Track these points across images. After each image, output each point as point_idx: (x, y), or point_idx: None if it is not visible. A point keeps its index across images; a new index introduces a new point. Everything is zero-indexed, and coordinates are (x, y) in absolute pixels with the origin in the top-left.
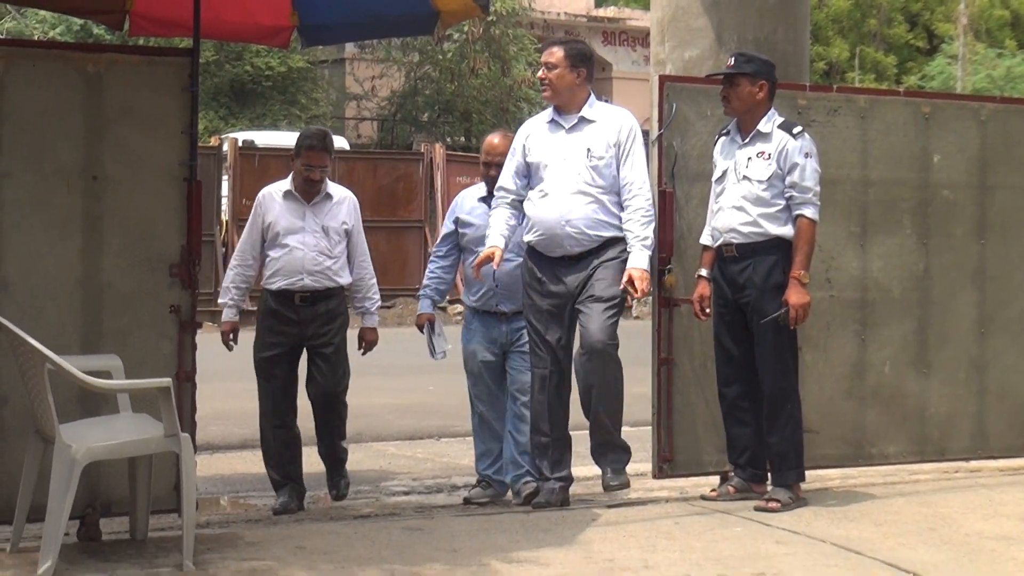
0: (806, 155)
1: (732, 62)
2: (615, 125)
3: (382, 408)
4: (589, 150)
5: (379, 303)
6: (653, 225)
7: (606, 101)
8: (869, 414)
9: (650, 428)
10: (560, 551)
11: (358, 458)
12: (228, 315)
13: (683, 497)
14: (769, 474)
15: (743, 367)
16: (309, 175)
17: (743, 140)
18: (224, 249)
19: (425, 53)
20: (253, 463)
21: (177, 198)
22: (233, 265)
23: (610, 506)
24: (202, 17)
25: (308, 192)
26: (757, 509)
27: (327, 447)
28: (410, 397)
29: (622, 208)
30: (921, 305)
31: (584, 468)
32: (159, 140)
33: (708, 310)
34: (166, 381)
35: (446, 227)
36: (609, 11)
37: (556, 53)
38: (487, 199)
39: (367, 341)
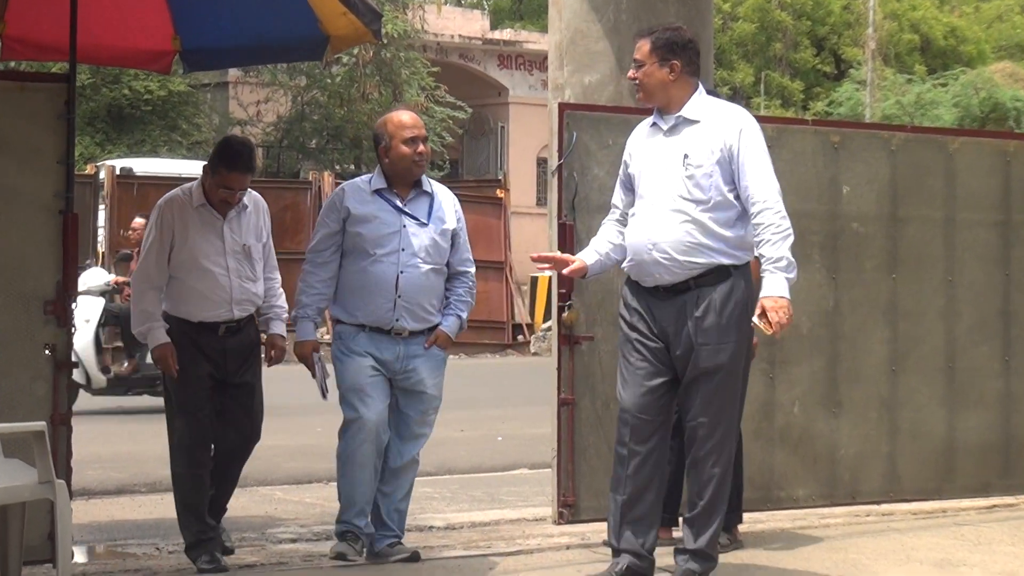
0: None
1: None
2: (723, 125)
3: (269, 450)
4: (686, 156)
5: (287, 310)
6: (790, 241)
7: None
8: (778, 456)
9: (550, 471)
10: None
11: (243, 503)
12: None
13: (585, 543)
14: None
15: None
16: (227, 198)
17: None
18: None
19: (313, 77)
20: (131, 509)
21: (52, 231)
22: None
23: (508, 554)
24: (79, 41)
25: (223, 209)
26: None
27: (221, 501)
28: (298, 438)
29: (736, 227)
30: (831, 342)
31: (480, 513)
32: (33, 171)
33: None
34: (40, 425)
35: (326, 227)
36: (505, 33)
37: (642, 47)
38: (385, 192)
39: (276, 349)
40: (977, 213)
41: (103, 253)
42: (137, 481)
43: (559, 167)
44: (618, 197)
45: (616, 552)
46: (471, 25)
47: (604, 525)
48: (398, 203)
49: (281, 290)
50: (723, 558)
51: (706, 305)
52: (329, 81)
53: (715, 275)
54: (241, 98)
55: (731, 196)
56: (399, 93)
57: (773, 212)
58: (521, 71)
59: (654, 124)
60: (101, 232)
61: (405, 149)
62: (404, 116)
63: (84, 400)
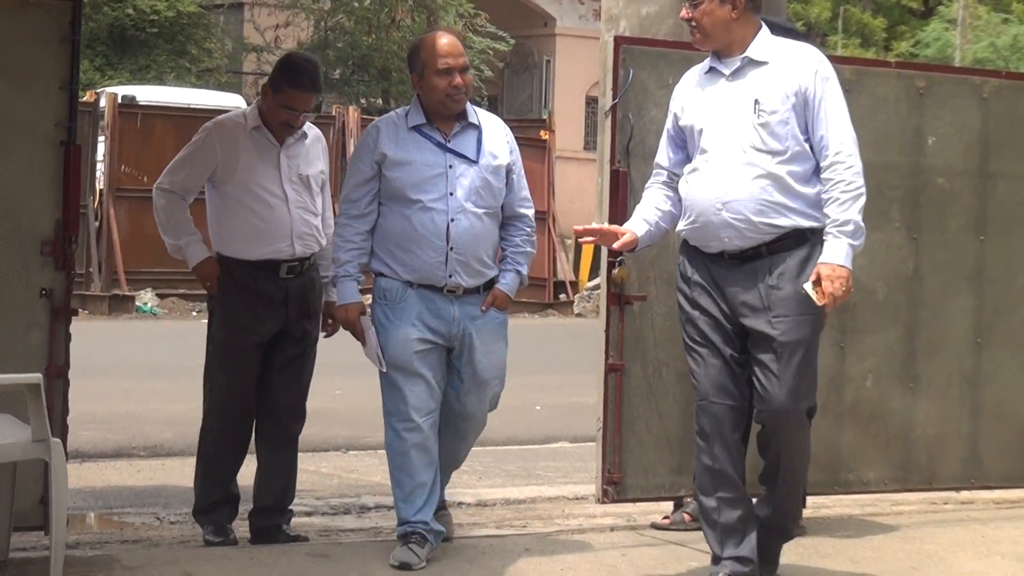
0: None
1: None
2: (796, 66)
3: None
4: (757, 102)
5: None
6: (862, 203)
7: (790, 32)
8: (846, 434)
9: (594, 445)
10: None
11: (252, 471)
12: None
13: (631, 525)
14: None
15: None
16: (290, 120)
17: None
18: (98, 224)
19: (338, 0)
20: (129, 474)
21: (52, 165)
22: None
23: (547, 535)
24: None
25: (282, 133)
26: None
27: (278, 490)
28: (315, 401)
29: (814, 183)
30: (909, 310)
31: (515, 489)
32: (32, 97)
33: None
34: (36, 377)
35: (358, 172)
36: None
37: None
38: (425, 127)
39: (337, 320)
40: None
41: (102, 191)
42: (136, 444)
43: (613, 107)
44: (664, 155)
45: (716, 560)
46: None
47: (652, 506)
48: (440, 139)
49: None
50: (785, 547)
51: (780, 272)
52: (356, 5)
53: (791, 240)
54: (258, 21)
55: (807, 146)
56: (434, 20)
57: (845, 167)
58: (571, 0)
59: (711, 70)
60: (100, 167)
61: (438, 81)
62: (441, 41)
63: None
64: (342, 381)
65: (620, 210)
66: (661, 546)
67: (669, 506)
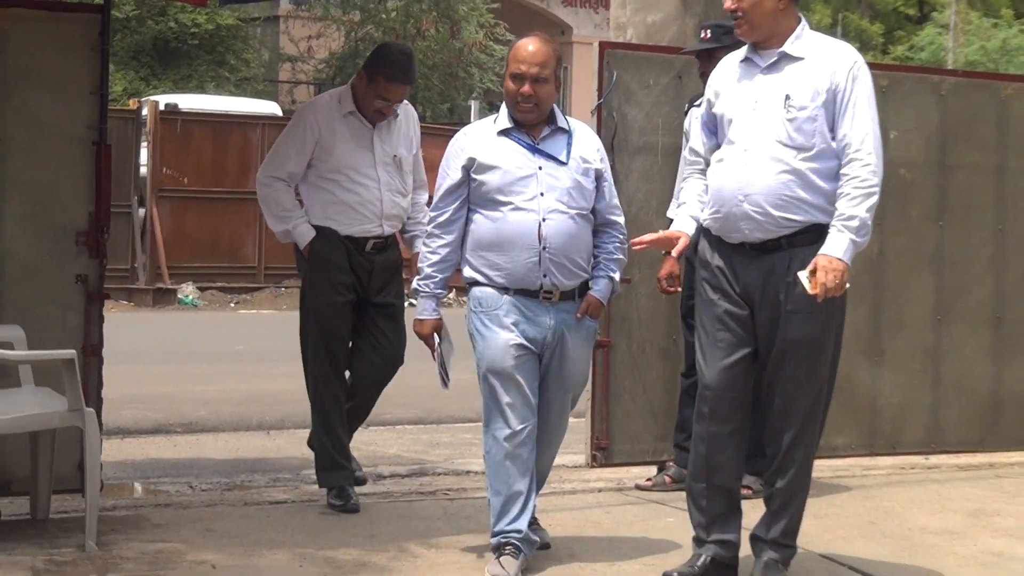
0: None
1: (709, 35)
2: (831, 63)
3: (306, 393)
4: (788, 97)
5: None
6: (872, 201)
7: None
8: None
9: (584, 417)
10: (482, 537)
11: (279, 444)
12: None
13: (618, 488)
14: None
15: None
16: (383, 110)
17: None
18: (143, 223)
19: (367, 12)
20: (166, 448)
21: (86, 163)
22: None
23: (541, 496)
24: None
25: (375, 119)
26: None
27: (352, 428)
28: None
29: (835, 180)
30: (875, 290)
31: None
32: (66, 102)
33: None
34: (70, 353)
35: (448, 179)
36: None
37: None
38: (513, 131)
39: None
40: None
41: (143, 194)
42: (173, 421)
43: (598, 107)
44: (698, 141)
45: (699, 542)
46: None
47: (638, 470)
48: (529, 142)
49: (426, 208)
50: (754, 501)
51: (801, 265)
52: (384, 16)
53: (811, 234)
54: (292, 33)
55: (833, 144)
56: (457, 30)
57: (862, 164)
58: (586, 9)
59: (747, 59)
60: (144, 170)
61: (509, 84)
62: (525, 47)
63: (115, 340)
64: None
65: None
66: (643, 504)
67: (653, 470)
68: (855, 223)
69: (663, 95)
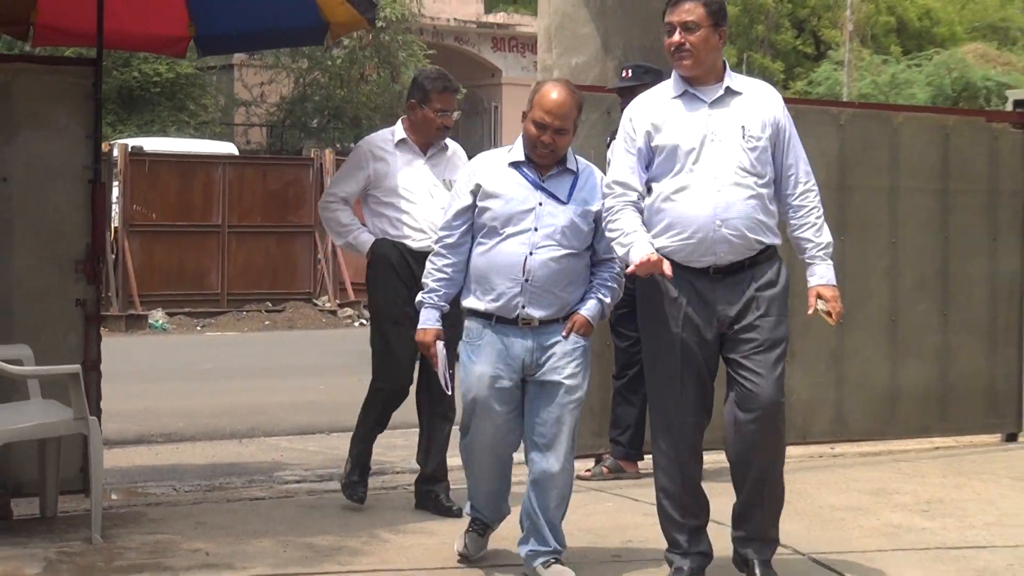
0: None
1: (630, 73)
2: (768, 99)
3: (275, 406)
4: (744, 128)
5: None
6: (827, 228)
7: (656, 72)
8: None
9: None
10: (444, 523)
11: (251, 451)
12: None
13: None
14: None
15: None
16: (445, 122)
17: None
18: (114, 255)
19: (314, 59)
20: (148, 456)
21: (82, 199)
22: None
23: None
24: (104, 27)
25: (427, 144)
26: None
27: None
28: (302, 395)
29: (775, 206)
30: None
31: None
32: (64, 145)
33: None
34: (75, 367)
35: (457, 200)
36: (499, 17)
37: (695, 9)
38: (523, 165)
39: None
40: (918, 182)
41: (116, 228)
42: (154, 432)
43: None
44: (633, 176)
45: (683, 553)
46: (466, 8)
47: (578, 462)
48: (536, 178)
49: None
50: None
51: (765, 280)
52: (330, 63)
53: (766, 255)
54: (246, 80)
55: (773, 174)
56: (396, 74)
57: (815, 195)
58: (514, 53)
59: (686, 95)
60: (115, 207)
61: (531, 128)
62: (551, 95)
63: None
64: (324, 380)
65: None
66: (584, 492)
67: (591, 462)
68: (831, 249)
69: (593, 129)
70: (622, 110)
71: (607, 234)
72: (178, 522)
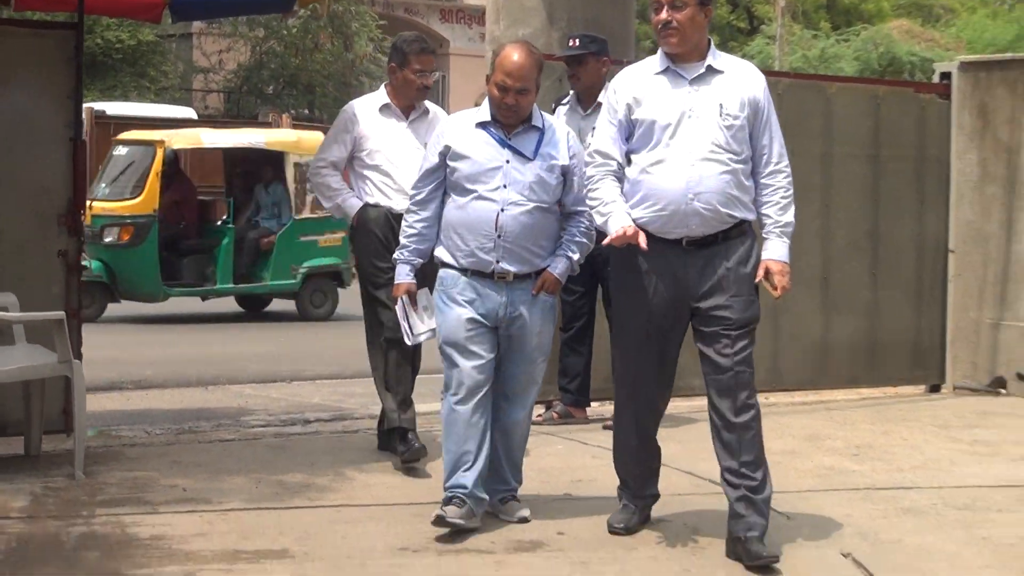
0: None
1: (578, 43)
2: (750, 79)
3: (238, 356)
4: (722, 106)
5: None
6: (793, 207)
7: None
8: (683, 353)
9: None
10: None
11: (218, 397)
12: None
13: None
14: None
15: (584, 306)
16: (423, 81)
17: (585, 111)
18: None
19: (271, 28)
20: (119, 402)
21: (64, 157)
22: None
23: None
24: None
25: (409, 108)
26: (606, 428)
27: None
28: (263, 346)
29: (752, 182)
30: None
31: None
32: (47, 105)
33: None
34: (60, 313)
35: (427, 161)
36: None
37: None
38: (490, 125)
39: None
40: (851, 148)
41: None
42: (125, 379)
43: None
44: (614, 146)
45: (634, 496)
46: None
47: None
48: (502, 136)
49: None
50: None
51: (737, 257)
52: (285, 32)
53: (739, 229)
54: (204, 47)
55: (750, 152)
56: (349, 44)
57: (784, 176)
58: (461, 25)
59: (668, 70)
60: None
61: (494, 91)
62: (511, 58)
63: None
64: (286, 331)
65: None
66: (535, 436)
67: (542, 408)
68: (790, 229)
69: (547, 95)
70: (569, 78)
71: (588, 202)
72: (154, 460)
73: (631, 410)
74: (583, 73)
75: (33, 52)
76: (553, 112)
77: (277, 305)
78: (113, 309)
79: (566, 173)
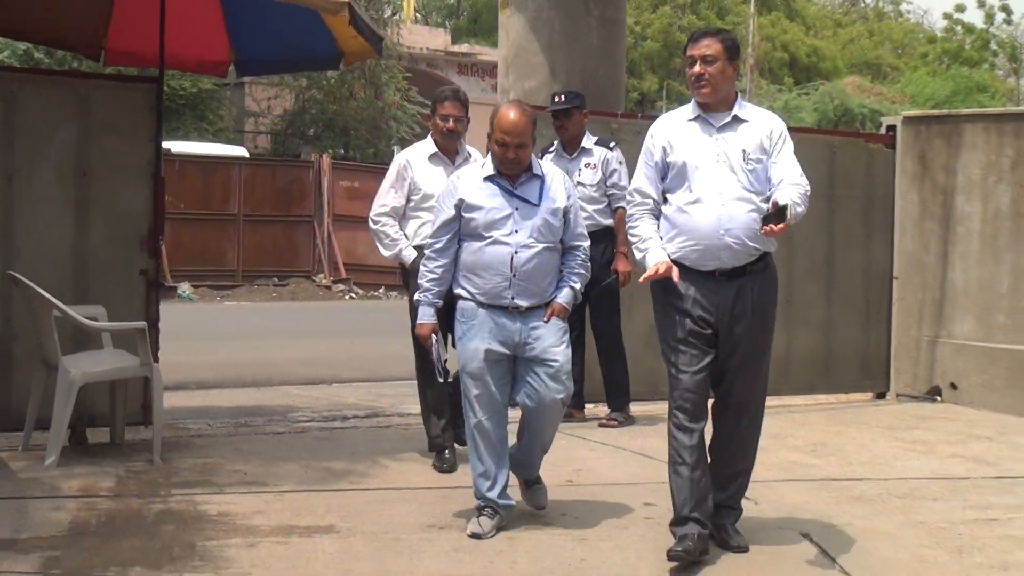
0: (620, 162)
1: (563, 98)
2: (767, 126)
3: (285, 361)
4: (745, 152)
5: None
6: (805, 203)
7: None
8: (659, 362)
9: None
10: (430, 454)
11: (268, 396)
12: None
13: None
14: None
15: (575, 320)
16: (446, 125)
17: (571, 156)
18: None
19: (312, 79)
20: (185, 399)
21: (146, 189)
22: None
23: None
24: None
25: (450, 149)
26: (601, 426)
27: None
28: (308, 353)
29: None
30: None
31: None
32: (132, 146)
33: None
34: (142, 324)
35: (443, 213)
36: (463, 47)
37: (714, 44)
38: (496, 179)
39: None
40: (810, 189)
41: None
42: (188, 380)
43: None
44: (650, 186)
45: (684, 521)
46: (436, 40)
47: None
48: (509, 187)
49: None
50: (621, 429)
51: (761, 286)
52: (325, 83)
53: (763, 261)
54: (255, 95)
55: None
56: (380, 93)
57: (803, 186)
58: (475, 77)
59: (699, 118)
60: None
61: (496, 148)
62: (508, 117)
63: None
64: (323, 340)
65: None
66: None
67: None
68: (798, 197)
69: (540, 144)
70: (557, 130)
71: (629, 238)
72: (220, 449)
73: (688, 423)
74: (569, 124)
75: (122, 101)
76: (540, 159)
77: (315, 319)
78: (174, 321)
79: (565, 213)
